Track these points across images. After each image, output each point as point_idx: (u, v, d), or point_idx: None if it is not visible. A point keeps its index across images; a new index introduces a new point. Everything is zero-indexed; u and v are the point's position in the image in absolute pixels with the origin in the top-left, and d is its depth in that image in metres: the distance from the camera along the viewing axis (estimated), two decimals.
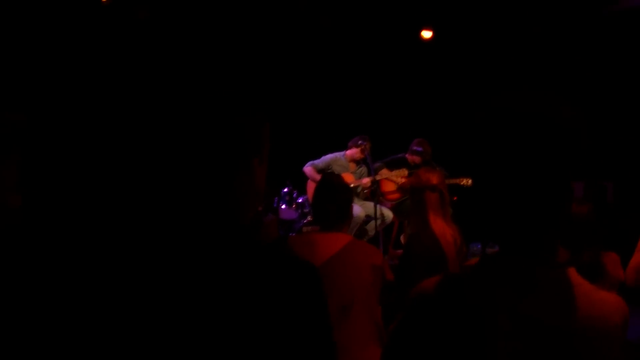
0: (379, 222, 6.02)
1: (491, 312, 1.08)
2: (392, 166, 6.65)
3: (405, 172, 6.35)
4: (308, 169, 6.54)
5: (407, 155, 6.73)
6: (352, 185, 6.31)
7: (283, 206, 6.58)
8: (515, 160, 1.11)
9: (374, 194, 6.12)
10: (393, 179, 6.52)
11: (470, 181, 6.15)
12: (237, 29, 6.61)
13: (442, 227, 3.11)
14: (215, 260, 1.01)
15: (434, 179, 3.20)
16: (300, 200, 6.65)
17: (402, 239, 6.63)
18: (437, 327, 1.12)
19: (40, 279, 1.08)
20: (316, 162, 6.57)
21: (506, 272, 1.13)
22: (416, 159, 6.60)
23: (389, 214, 6.38)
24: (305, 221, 6.49)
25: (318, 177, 6.33)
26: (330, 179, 3.00)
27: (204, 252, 1.02)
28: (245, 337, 0.97)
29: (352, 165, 6.63)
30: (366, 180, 6.36)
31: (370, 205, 6.13)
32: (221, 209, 1.08)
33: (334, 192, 2.88)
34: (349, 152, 6.59)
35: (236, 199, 1.10)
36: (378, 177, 6.40)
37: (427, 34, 7.54)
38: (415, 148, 6.60)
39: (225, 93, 1.13)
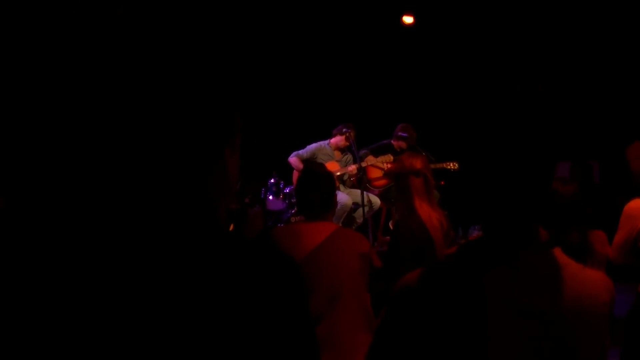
0: (366, 209, 6.00)
1: (479, 299, 1.06)
2: (377, 153, 6.63)
3: (390, 157, 6.33)
4: (293, 159, 6.52)
5: (392, 141, 6.72)
6: (338, 174, 6.29)
7: (270, 197, 6.56)
8: (496, 141, 1.09)
9: (361, 181, 6.10)
10: (379, 165, 6.50)
11: (456, 165, 6.12)
12: (214, 20, 6.55)
13: (428, 212, 3.09)
14: (191, 257, 0.99)
15: (417, 163, 3.18)
16: (287, 191, 6.61)
17: (390, 225, 6.63)
18: (424, 319, 1.10)
19: (24, 278, 1.03)
20: (301, 152, 6.54)
21: (490, 257, 1.11)
22: (402, 144, 6.59)
23: (376, 200, 6.37)
24: (293, 211, 6.46)
25: (302, 166, 6.31)
26: (312, 168, 2.97)
27: (179, 249, 1.00)
28: (222, 334, 0.95)
29: (337, 154, 6.61)
30: (352, 168, 6.34)
31: (357, 192, 6.12)
32: (196, 203, 1.06)
33: (317, 181, 2.86)
34: (333, 140, 6.57)
35: (210, 192, 1.08)
36: (364, 164, 6.39)
37: (408, 19, 7.53)
38: (400, 133, 6.59)
39: (194, 86, 1.09)
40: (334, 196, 2.91)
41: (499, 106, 1.09)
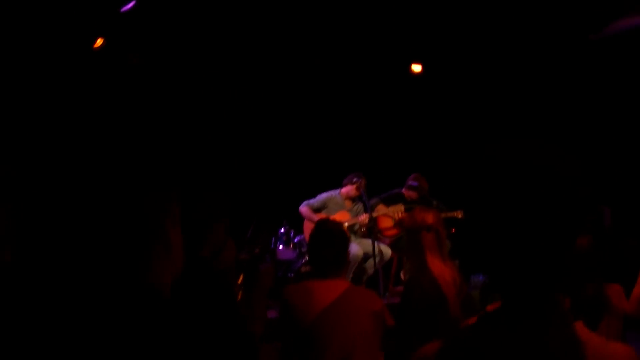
0: (377, 259, 5.96)
1: None
2: (388, 202, 6.62)
3: (402, 207, 6.34)
4: (304, 209, 6.50)
5: (403, 191, 6.72)
6: (348, 224, 6.27)
7: (280, 246, 6.52)
8: (515, 215, 1.08)
9: (371, 231, 6.07)
10: (390, 215, 6.49)
11: (461, 214, 6.13)
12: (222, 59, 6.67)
13: (440, 268, 3.05)
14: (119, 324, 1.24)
15: (429, 218, 3.15)
16: (297, 240, 6.58)
17: (402, 275, 6.57)
18: None
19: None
20: (311, 201, 6.53)
21: (509, 334, 1.08)
22: (412, 194, 6.59)
23: (387, 250, 6.33)
24: (303, 261, 6.41)
25: (314, 216, 6.30)
26: (325, 225, 2.96)
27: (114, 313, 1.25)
28: None
29: (348, 203, 6.60)
30: (363, 217, 6.32)
31: (368, 242, 6.08)
32: (137, 273, 1.31)
33: (330, 237, 2.85)
34: (344, 189, 6.56)
35: (153, 261, 1.33)
36: (375, 214, 6.37)
37: (417, 68, 7.60)
38: (411, 183, 6.60)
39: (124, 177, 1.37)
40: (347, 253, 2.89)
41: (517, 179, 1.08)
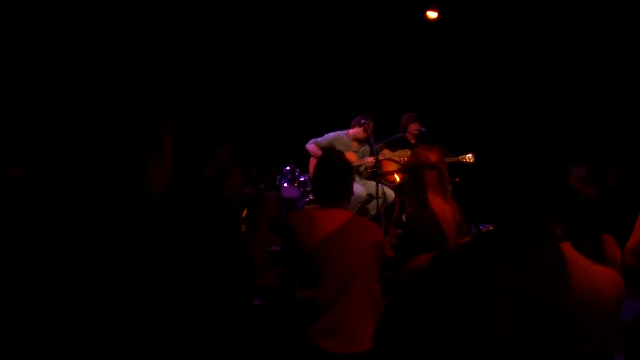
0: (380, 201, 6.00)
1: (485, 288, 1.07)
2: (392, 146, 6.64)
3: (408, 152, 6.34)
4: (311, 146, 6.54)
5: (407, 134, 6.74)
6: (355, 165, 6.29)
7: (285, 184, 6.58)
8: (513, 134, 1.09)
9: (376, 173, 6.10)
10: (395, 159, 6.51)
11: (472, 157, 6.07)
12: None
13: (441, 206, 3.09)
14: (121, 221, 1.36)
15: (432, 156, 3.16)
16: (302, 179, 6.63)
17: (403, 218, 6.62)
18: (430, 303, 1.12)
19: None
20: (319, 139, 6.56)
21: (500, 248, 1.12)
22: (413, 129, 6.68)
23: (390, 193, 6.38)
24: (307, 199, 6.48)
25: (320, 153, 6.31)
26: (331, 156, 2.98)
27: (115, 216, 1.36)
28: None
29: (355, 145, 6.62)
30: (370, 160, 6.34)
31: (372, 184, 6.11)
32: (135, 179, 1.43)
33: (335, 168, 2.87)
34: (351, 131, 6.58)
35: (149, 168, 1.45)
36: (381, 157, 6.39)
37: (432, 14, 7.49)
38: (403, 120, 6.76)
39: (122, 89, 1.47)
40: (350, 184, 2.92)
41: (517, 100, 1.09)
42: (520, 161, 1.10)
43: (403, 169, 6.41)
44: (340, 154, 3.03)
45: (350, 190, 2.93)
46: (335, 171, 2.86)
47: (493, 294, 1.07)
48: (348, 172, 2.91)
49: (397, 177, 6.52)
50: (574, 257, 1.12)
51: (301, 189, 6.60)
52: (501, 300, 1.06)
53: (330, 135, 6.58)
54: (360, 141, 6.63)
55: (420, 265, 1.16)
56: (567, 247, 1.13)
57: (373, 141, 6.26)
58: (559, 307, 1.07)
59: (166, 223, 1.40)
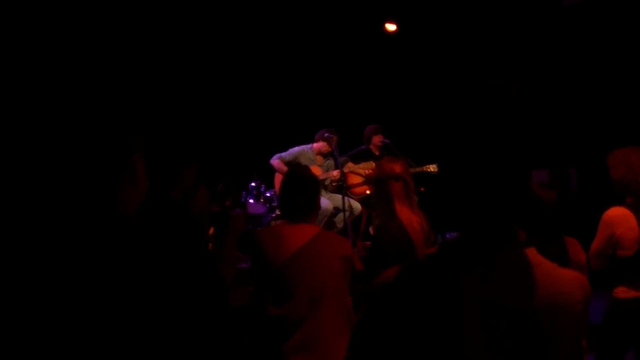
0: (347, 214, 6.02)
1: (456, 298, 1.08)
2: (356, 159, 6.67)
3: (372, 164, 6.38)
4: (275, 161, 6.52)
5: (370, 146, 6.77)
6: (320, 178, 6.30)
7: (251, 200, 6.54)
8: (472, 143, 1.12)
9: (341, 187, 6.12)
10: (359, 172, 6.54)
11: (437, 167, 6.14)
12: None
13: (408, 216, 3.11)
14: (95, 245, 1.30)
15: (397, 167, 3.20)
16: (268, 195, 6.60)
17: (370, 230, 6.65)
18: (401, 316, 1.12)
19: None
20: (283, 154, 6.54)
21: (467, 257, 1.13)
22: (377, 140, 6.71)
23: (357, 205, 6.39)
24: (273, 215, 6.46)
25: (286, 169, 6.32)
26: (297, 171, 2.98)
27: (88, 239, 1.31)
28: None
29: (319, 159, 6.63)
30: (335, 173, 6.36)
31: (338, 197, 6.13)
32: (108, 200, 1.39)
33: (302, 183, 2.87)
34: (316, 145, 6.58)
35: (122, 189, 1.42)
36: (345, 170, 6.41)
37: (391, 27, 7.57)
38: (366, 132, 6.79)
39: (96, 109, 1.44)
40: (317, 199, 2.92)
41: (476, 109, 1.12)
42: (482, 169, 1.12)
43: (367, 181, 6.45)
44: (307, 169, 3.03)
45: (317, 205, 2.93)
46: (302, 186, 2.86)
47: (464, 302, 1.08)
48: (315, 187, 2.90)
49: (367, 190, 6.54)
50: (538, 261, 1.14)
51: (267, 205, 6.57)
52: (472, 309, 1.07)
53: (295, 149, 6.58)
54: (325, 155, 6.64)
55: (389, 279, 1.16)
56: (531, 252, 1.15)
57: (337, 154, 6.28)
58: (528, 311, 1.08)
59: (143, 246, 1.36)
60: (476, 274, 1.10)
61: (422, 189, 6.27)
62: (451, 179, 1.16)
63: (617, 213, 3.34)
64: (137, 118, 1.48)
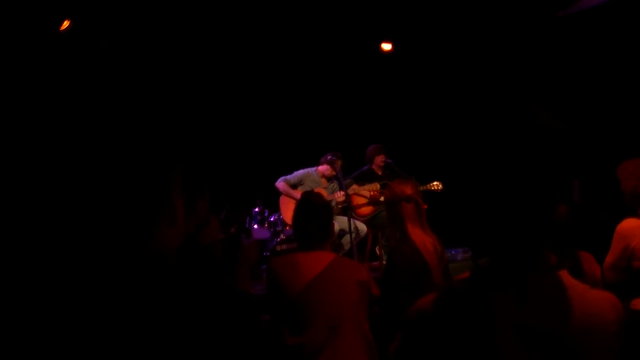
0: (353, 235, 6.01)
1: (490, 324, 1.09)
2: (360, 181, 6.68)
3: (377, 186, 6.41)
4: (281, 184, 6.53)
5: (373, 166, 6.79)
6: None
7: (255, 226, 6.53)
8: (502, 173, 1.12)
9: (347, 208, 6.12)
10: (363, 194, 6.55)
11: (440, 185, 6.21)
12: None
13: (421, 237, 3.11)
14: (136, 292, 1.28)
15: (408, 189, 3.20)
16: (272, 219, 6.60)
17: (377, 250, 6.65)
18: (438, 344, 1.12)
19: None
20: (288, 177, 6.57)
21: (500, 282, 1.14)
22: (379, 161, 6.72)
23: (363, 227, 6.40)
24: (278, 239, 6.44)
25: (292, 191, 6.34)
26: (309, 198, 2.98)
27: (128, 280, 1.29)
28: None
29: (324, 181, 6.65)
30: (340, 195, 6.37)
31: (344, 219, 6.13)
32: (147, 243, 1.35)
33: (315, 210, 2.87)
34: (320, 168, 6.61)
35: (162, 231, 1.37)
36: (350, 192, 6.42)
37: (387, 47, 7.61)
38: (368, 151, 6.84)
39: (133, 149, 1.39)
40: (331, 225, 2.92)
41: (503, 139, 1.13)
42: (510, 196, 1.12)
43: (371, 202, 6.45)
44: (319, 195, 3.03)
45: (331, 231, 2.93)
46: (315, 213, 2.86)
47: (498, 328, 1.08)
48: (328, 213, 2.91)
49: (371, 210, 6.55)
50: (571, 284, 1.15)
51: (272, 229, 6.56)
52: (507, 334, 1.08)
53: (300, 172, 6.60)
54: (329, 178, 6.67)
55: (425, 306, 1.18)
56: (564, 275, 1.16)
57: (341, 177, 6.28)
58: (563, 334, 1.08)
59: (183, 288, 1.32)
60: (509, 299, 1.10)
61: (425, 207, 6.26)
62: (483, 205, 1.16)
63: (632, 225, 3.34)
64: (174, 152, 1.45)
